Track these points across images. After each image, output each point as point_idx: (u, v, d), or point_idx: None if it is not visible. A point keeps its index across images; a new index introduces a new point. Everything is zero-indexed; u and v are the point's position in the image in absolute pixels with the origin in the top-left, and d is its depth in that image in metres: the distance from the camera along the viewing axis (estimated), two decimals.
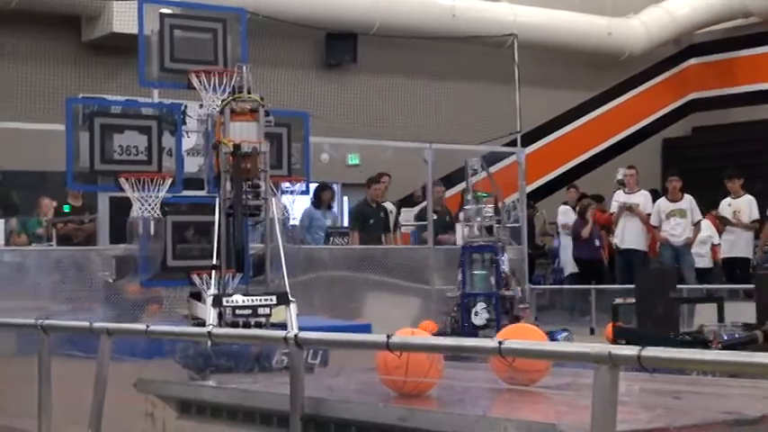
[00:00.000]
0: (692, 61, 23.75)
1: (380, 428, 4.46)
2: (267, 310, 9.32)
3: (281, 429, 4.79)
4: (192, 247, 10.91)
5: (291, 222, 14.28)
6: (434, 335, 9.19)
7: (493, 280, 9.94)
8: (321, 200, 15.50)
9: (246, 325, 9.05)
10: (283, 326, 9.18)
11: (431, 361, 4.75)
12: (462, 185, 11.95)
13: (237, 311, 9.29)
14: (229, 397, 5.37)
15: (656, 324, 9.22)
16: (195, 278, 10.50)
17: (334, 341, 5.38)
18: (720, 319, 9.70)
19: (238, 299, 9.36)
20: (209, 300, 9.42)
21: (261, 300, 9.48)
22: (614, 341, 8.96)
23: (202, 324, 9.23)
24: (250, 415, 5.20)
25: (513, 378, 4.87)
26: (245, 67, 10.18)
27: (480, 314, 9.69)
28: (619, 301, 10.81)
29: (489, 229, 10.40)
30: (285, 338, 4.64)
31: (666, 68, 23.53)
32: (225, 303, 9.32)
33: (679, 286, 13.18)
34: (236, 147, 9.76)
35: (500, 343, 3.92)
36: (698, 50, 23.68)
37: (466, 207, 10.89)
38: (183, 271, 10.70)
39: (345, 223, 16.47)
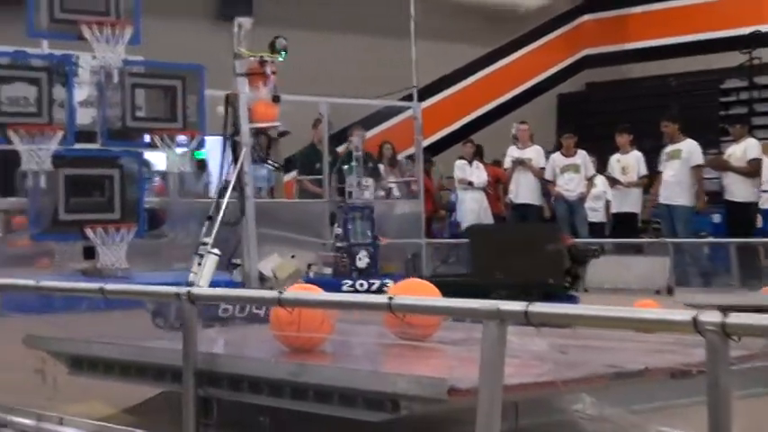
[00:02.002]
0: (586, 17, 24.02)
1: (272, 383, 4.48)
2: None
3: (175, 384, 4.78)
4: (86, 201, 10.76)
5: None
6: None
7: (369, 233, 11.68)
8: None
9: None
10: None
11: (323, 316, 4.77)
12: None
13: None
14: (121, 353, 5.33)
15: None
16: (89, 232, 10.38)
17: (226, 297, 5.37)
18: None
19: None
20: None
21: None
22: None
23: None
24: (143, 370, 5.17)
25: (406, 333, 4.91)
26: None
27: (363, 259, 11.42)
28: None
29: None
30: (177, 294, 4.61)
31: (561, 24, 23.75)
32: None
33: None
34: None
35: (390, 299, 3.94)
36: (591, 7, 23.95)
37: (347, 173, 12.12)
38: (76, 225, 10.56)
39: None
